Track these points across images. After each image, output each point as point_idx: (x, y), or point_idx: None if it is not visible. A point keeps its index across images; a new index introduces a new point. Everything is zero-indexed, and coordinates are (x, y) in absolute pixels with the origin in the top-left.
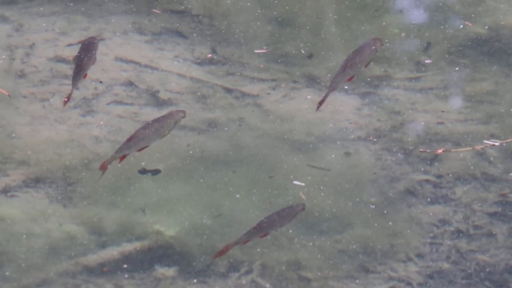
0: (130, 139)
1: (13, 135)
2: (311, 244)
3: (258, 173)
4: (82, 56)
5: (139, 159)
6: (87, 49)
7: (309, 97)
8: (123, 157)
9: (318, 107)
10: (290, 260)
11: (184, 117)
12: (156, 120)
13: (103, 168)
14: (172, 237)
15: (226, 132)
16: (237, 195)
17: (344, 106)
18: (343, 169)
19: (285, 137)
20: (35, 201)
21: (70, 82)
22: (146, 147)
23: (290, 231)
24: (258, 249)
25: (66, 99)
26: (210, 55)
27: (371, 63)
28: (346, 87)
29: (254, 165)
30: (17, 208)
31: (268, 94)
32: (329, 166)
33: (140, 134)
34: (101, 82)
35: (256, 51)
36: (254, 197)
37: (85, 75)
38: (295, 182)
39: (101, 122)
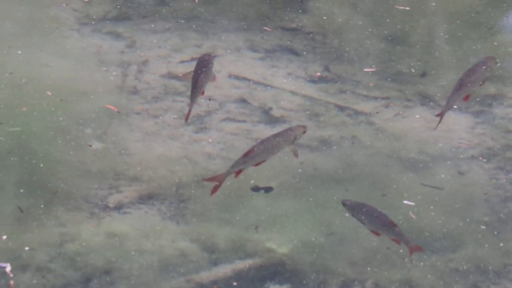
0: (247, 154)
1: (126, 151)
2: (422, 263)
3: (370, 191)
4: (199, 73)
5: (249, 176)
6: (203, 65)
7: (419, 116)
8: (238, 172)
9: (436, 126)
10: (402, 279)
11: (304, 132)
12: (276, 135)
13: (219, 181)
14: (284, 255)
15: (339, 150)
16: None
17: (457, 124)
18: (456, 188)
19: (398, 155)
20: (147, 217)
21: (182, 99)
22: (263, 162)
23: (401, 250)
24: (368, 268)
25: (187, 116)
26: (319, 74)
27: (485, 82)
28: (455, 106)
29: (366, 183)
30: (129, 224)
31: (377, 113)
32: (441, 185)
33: (258, 148)
34: (210, 99)
35: (365, 69)
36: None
37: (203, 92)
38: (405, 202)
39: (211, 140)
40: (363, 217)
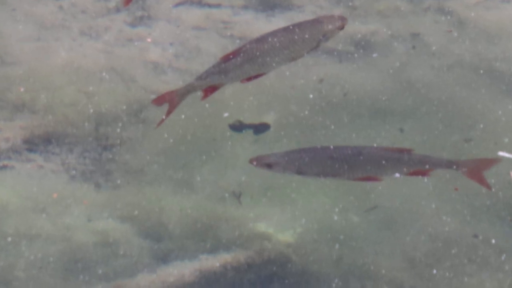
0: (229, 57)
1: (5, 57)
2: None
3: (442, 134)
4: None
5: (226, 104)
6: None
7: None
8: (210, 90)
9: None
10: None
11: (341, 28)
12: (286, 30)
13: (171, 102)
14: (287, 245)
15: (386, 60)
16: None
17: None
18: None
19: (490, 69)
20: (44, 176)
21: None
22: (258, 76)
23: (493, 241)
24: (435, 270)
25: None
26: None
27: None
28: None
29: (435, 119)
30: (12, 188)
31: None
32: None
33: (251, 50)
34: None
35: None
36: (432, 176)
37: None
38: (502, 154)
39: (152, 39)
40: (336, 165)
